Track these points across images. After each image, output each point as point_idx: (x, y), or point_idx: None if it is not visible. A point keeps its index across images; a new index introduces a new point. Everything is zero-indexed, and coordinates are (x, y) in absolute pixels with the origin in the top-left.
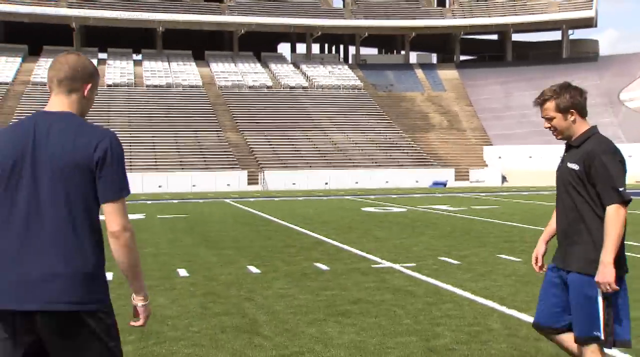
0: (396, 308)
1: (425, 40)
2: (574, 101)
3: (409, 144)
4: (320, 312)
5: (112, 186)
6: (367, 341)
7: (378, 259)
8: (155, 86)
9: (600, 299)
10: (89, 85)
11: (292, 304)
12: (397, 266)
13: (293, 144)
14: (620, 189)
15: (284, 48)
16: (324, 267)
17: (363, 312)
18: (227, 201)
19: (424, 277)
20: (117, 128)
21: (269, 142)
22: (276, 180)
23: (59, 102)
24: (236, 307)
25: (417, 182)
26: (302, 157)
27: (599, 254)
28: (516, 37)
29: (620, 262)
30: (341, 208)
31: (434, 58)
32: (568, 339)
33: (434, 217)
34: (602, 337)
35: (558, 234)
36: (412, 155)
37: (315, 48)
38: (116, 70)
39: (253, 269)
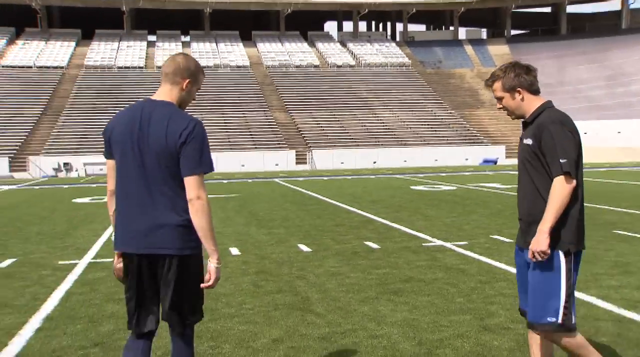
0: (449, 287)
1: (475, 15)
2: (519, 79)
3: (458, 121)
4: (372, 291)
5: (188, 164)
6: (420, 319)
7: (429, 238)
8: (204, 67)
9: (563, 280)
10: (187, 81)
11: (343, 283)
12: (448, 245)
13: (341, 123)
14: (562, 161)
15: (330, 26)
16: (374, 245)
17: (415, 290)
18: (276, 180)
19: (476, 256)
20: None
21: (316, 121)
22: (324, 159)
23: (163, 92)
24: (288, 285)
25: (466, 160)
26: (349, 136)
27: (559, 232)
28: (571, 8)
29: (576, 237)
30: (390, 187)
31: (483, 33)
32: None
33: (484, 195)
34: (560, 322)
35: (519, 212)
36: (461, 133)
37: (362, 26)
38: (165, 52)
39: (304, 247)
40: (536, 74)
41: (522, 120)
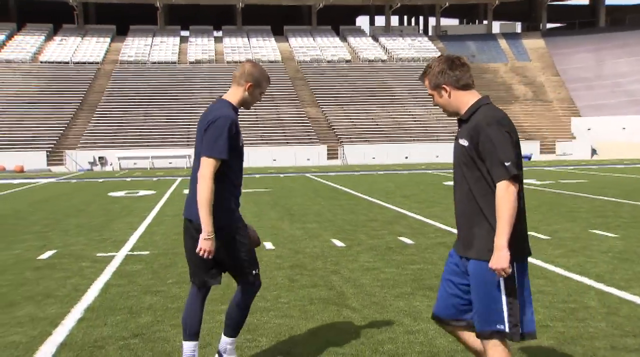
0: None
1: (509, 9)
2: (443, 76)
3: None
4: (407, 286)
5: (204, 147)
6: None
7: None
8: (236, 62)
9: (503, 288)
10: (249, 84)
11: (378, 278)
12: None
13: (372, 118)
14: (507, 164)
15: (362, 21)
16: (408, 241)
17: None
18: (308, 175)
19: None
20: (198, 104)
21: (348, 116)
22: (355, 154)
23: (229, 92)
24: (323, 280)
25: None
26: (381, 131)
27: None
28: (610, 0)
29: (520, 244)
30: (422, 182)
31: (518, 27)
32: (470, 335)
33: None
34: (507, 330)
35: (456, 217)
36: None
37: (394, 20)
38: (198, 47)
39: (337, 242)
40: (464, 68)
41: (457, 118)
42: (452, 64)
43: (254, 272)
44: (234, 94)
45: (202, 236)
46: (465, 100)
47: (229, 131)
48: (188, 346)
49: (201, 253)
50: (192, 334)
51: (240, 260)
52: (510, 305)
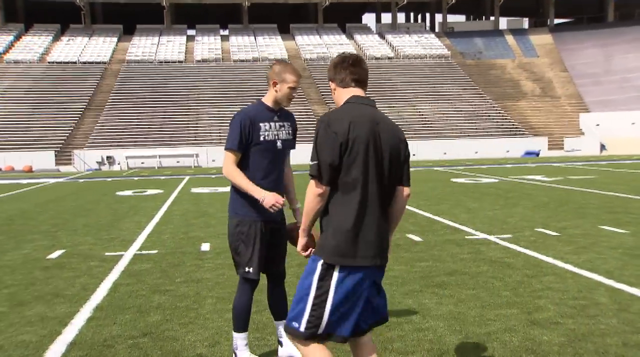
0: (494, 280)
1: (516, 4)
2: (331, 73)
3: (499, 113)
4: (416, 284)
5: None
6: (466, 313)
7: (472, 231)
8: (242, 61)
9: (313, 289)
10: (273, 81)
11: (387, 275)
12: (492, 238)
13: None
14: (312, 163)
15: (368, 18)
16: (417, 238)
17: (460, 283)
18: None
19: (521, 249)
20: (206, 103)
21: None
22: None
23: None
24: None
25: (507, 152)
26: None
27: (323, 238)
28: None
29: (342, 248)
30: (430, 179)
31: (525, 23)
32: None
33: (528, 187)
34: (302, 329)
35: None
36: (502, 125)
37: (401, 17)
38: (204, 46)
39: None
40: (351, 66)
41: None
42: (340, 61)
43: (242, 269)
44: (267, 94)
45: (260, 200)
46: (342, 97)
47: (241, 125)
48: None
49: (274, 207)
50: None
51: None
52: (314, 306)
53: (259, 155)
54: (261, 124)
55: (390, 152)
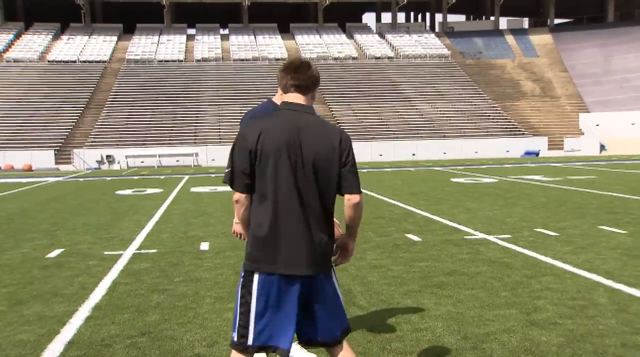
0: (493, 280)
1: (516, 4)
2: (278, 78)
3: (499, 113)
4: (414, 284)
5: None
6: (465, 313)
7: (471, 231)
8: (242, 60)
9: (238, 297)
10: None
11: (385, 275)
12: (491, 238)
13: (379, 115)
14: (227, 169)
15: (368, 18)
16: (415, 238)
17: (459, 284)
18: None
19: (520, 249)
20: (206, 102)
21: (354, 113)
22: (362, 151)
23: None
24: None
25: (507, 152)
26: (388, 128)
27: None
28: None
29: (254, 254)
30: (430, 179)
31: (525, 23)
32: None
33: (527, 187)
34: (234, 339)
35: None
36: (502, 125)
37: (401, 17)
38: (204, 45)
39: None
40: (292, 72)
41: None
42: (285, 67)
43: None
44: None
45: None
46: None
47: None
48: None
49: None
50: None
51: None
52: (241, 315)
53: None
54: None
55: (315, 159)
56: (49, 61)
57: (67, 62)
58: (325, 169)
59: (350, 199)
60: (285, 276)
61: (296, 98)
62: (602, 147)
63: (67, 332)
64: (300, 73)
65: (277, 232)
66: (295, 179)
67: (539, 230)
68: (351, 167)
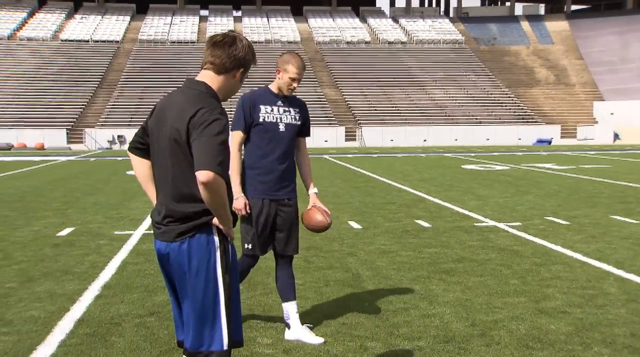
0: (502, 268)
1: None
2: None
3: (512, 100)
4: (423, 270)
5: None
6: (473, 300)
7: (481, 218)
8: (255, 42)
9: None
10: (277, 69)
11: (394, 261)
12: (501, 225)
13: (391, 100)
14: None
15: (382, 2)
16: (425, 224)
17: (468, 270)
18: (326, 156)
19: (530, 237)
20: None
21: (366, 98)
22: (373, 136)
23: None
24: (339, 262)
25: (519, 139)
26: (400, 113)
27: None
28: None
29: None
30: (441, 165)
31: (541, 9)
32: None
33: (538, 175)
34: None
35: None
36: (514, 112)
37: (415, 1)
38: (217, 27)
39: (354, 224)
40: (210, 47)
41: None
42: (207, 40)
43: (244, 244)
44: (275, 81)
45: (234, 197)
46: None
47: (242, 107)
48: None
49: (237, 210)
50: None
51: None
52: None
53: (258, 135)
54: (262, 106)
55: (170, 135)
56: (62, 40)
57: (79, 41)
58: (177, 145)
59: (198, 177)
60: (156, 240)
61: (207, 76)
62: (616, 136)
63: (77, 310)
64: (218, 49)
65: (157, 202)
66: (159, 155)
67: (549, 218)
68: (199, 144)
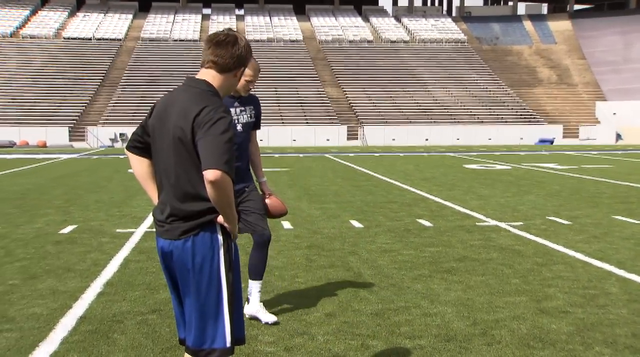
0: (504, 267)
1: None
2: None
3: (514, 99)
4: (425, 269)
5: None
6: (475, 299)
7: (483, 217)
8: (257, 41)
9: None
10: None
11: (396, 260)
12: (503, 225)
13: (393, 100)
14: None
15: (385, 1)
16: (427, 223)
17: (469, 270)
18: (327, 155)
19: (532, 237)
20: None
21: (368, 97)
22: (375, 135)
23: None
24: (340, 261)
25: (521, 139)
26: (402, 112)
27: None
28: None
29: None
30: (442, 165)
31: (544, 8)
32: None
33: (540, 175)
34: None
35: None
36: (517, 112)
37: (418, 0)
38: (220, 25)
39: (356, 223)
40: (212, 46)
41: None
42: (208, 40)
43: None
44: None
45: None
46: None
47: None
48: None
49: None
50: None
51: None
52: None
53: None
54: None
55: (174, 134)
56: (64, 38)
57: (82, 39)
58: (182, 144)
59: (206, 176)
60: (158, 238)
61: (208, 74)
62: (619, 136)
63: (79, 307)
64: (221, 48)
65: (160, 200)
66: (163, 153)
67: (551, 218)
68: (205, 144)
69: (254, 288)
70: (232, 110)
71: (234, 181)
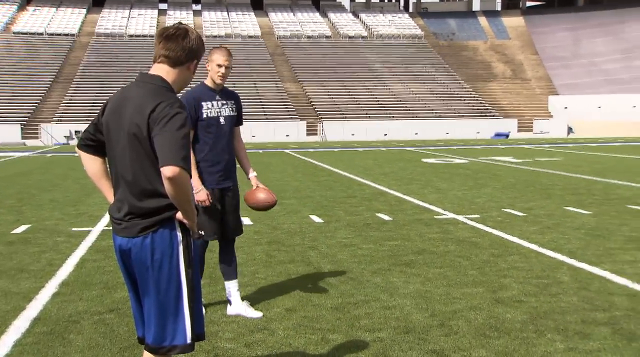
0: (461, 259)
1: None
2: None
3: (470, 94)
4: (384, 262)
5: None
6: (433, 291)
7: (441, 210)
8: (215, 36)
9: None
10: (207, 64)
11: (355, 254)
12: (460, 218)
13: (352, 95)
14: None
15: None
16: (386, 217)
17: (427, 262)
18: (287, 151)
19: (488, 229)
20: None
21: (327, 92)
22: (335, 130)
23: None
24: (300, 256)
25: (478, 133)
26: (360, 107)
27: None
28: None
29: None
30: (401, 159)
31: (498, 4)
32: None
33: (496, 168)
34: None
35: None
36: (473, 106)
37: None
38: (176, 20)
39: (315, 218)
40: (163, 40)
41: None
42: (159, 34)
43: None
44: (208, 77)
45: (195, 191)
46: None
47: (187, 105)
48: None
49: (201, 202)
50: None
51: None
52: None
53: (203, 130)
54: (203, 103)
55: (129, 130)
56: (14, 33)
57: (33, 34)
58: (138, 141)
59: (163, 173)
60: (115, 236)
61: (160, 69)
62: (570, 130)
63: (33, 308)
64: (171, 42)
65: (115, 198)
66: (118, 150)
67: (507, 210)
68: (162, 139)
69: (232, 288)
70: (214, 103)
71: (191, 176)
